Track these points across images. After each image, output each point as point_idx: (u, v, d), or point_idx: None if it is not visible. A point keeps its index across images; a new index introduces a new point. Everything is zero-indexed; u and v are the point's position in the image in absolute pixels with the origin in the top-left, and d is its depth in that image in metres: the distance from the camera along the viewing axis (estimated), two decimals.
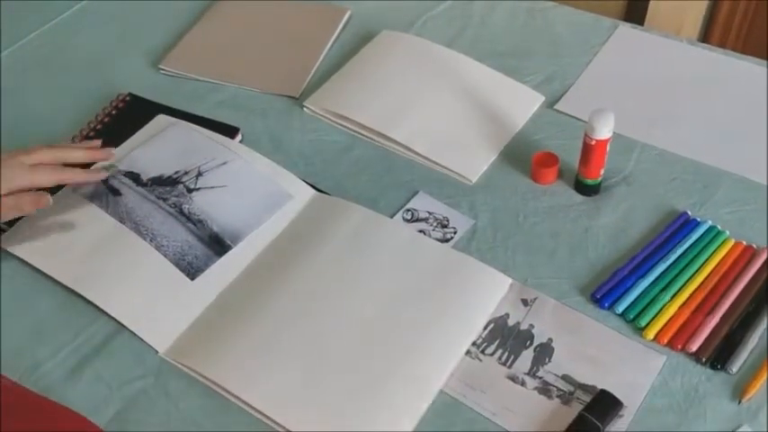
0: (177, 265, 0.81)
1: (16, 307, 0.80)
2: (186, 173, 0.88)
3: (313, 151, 0.96)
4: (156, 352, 0.76)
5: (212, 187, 0.87)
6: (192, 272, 0.80)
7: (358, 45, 1.09)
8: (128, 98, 1.00)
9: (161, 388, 0.73)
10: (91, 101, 1.01)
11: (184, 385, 0.73)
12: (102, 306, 0.78)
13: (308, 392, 0.71)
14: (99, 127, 0.97)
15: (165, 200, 0.85)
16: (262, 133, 0.98)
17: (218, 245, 0.82)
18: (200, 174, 0.88)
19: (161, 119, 0.96)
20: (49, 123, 0.99)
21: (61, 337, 0.77)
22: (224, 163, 0.90)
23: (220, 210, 0.85)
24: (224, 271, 0.81)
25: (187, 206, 0.85)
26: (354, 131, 0.97)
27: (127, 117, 0.98)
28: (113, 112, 0.99)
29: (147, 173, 0.89)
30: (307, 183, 0.90)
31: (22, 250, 0.82)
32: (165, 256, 0.81)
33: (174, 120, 0.95)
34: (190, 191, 0.87)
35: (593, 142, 0.83)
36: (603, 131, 0.83)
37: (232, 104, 1.02)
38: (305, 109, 1.00)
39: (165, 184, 0.87)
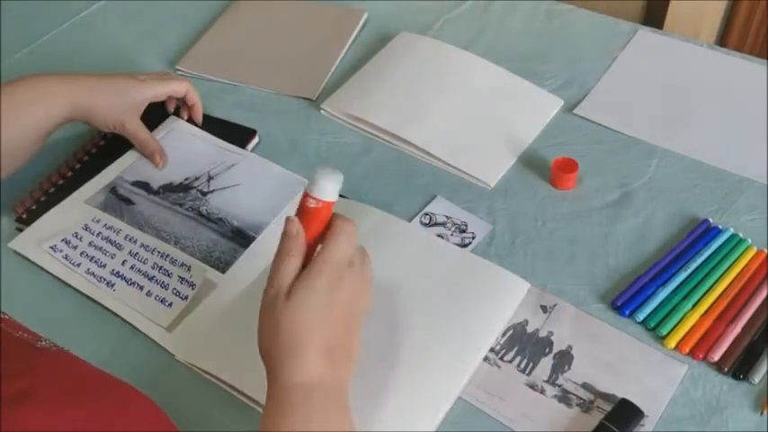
0: (206, 261, 0.81)
1: (30, 308, 0.80)
2: (197, 178, 0.89)
3: (330, 154, 0.95)
4: (173, 356, 0.76)
5: (225, 187, 0.88)
6: (222, 265, 0.81)
7: (375, 47, 1.08)
8: None
9: (178, 390, 0.73)
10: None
11: (201, 387, 0.73)
12: (119, 313, 0.78)
13: None
14: None
15: (181, 205, 0.86)
16: (278, 135, 0.98)
17: (241, 237, 0.83)
18: (210, 177, 0.89)
19: (172, 120, 0.96)
20: (67, 125, 0.99)
21: (76, 341, 0.77)
22: (233, 165, 0.90)
23: (237, 206, 0.86)
24: (231, 284, 0.81)
25: (204, 207, 0.86)
26: (372, 134, 0.97)
27: (143, 117, 0.97)
28: None
29: (157, 181, 0.89)
30: None
31: (37, 255, 0.83)
32: (192, 255, 0.81)
33: (177, 120, 0.95)
34: (204, 194, 0.87)
35: (320, 204, 0.63)
36: (332, 191, 0.63)
37: (249, 106, 1.02)
38: (322, 111, 1.00)
39: (177, 191, 0.87)
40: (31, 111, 0.82)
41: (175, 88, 0.92)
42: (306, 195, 0.63)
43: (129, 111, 0.88)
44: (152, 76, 0.92)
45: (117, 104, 0.87)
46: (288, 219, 0.62)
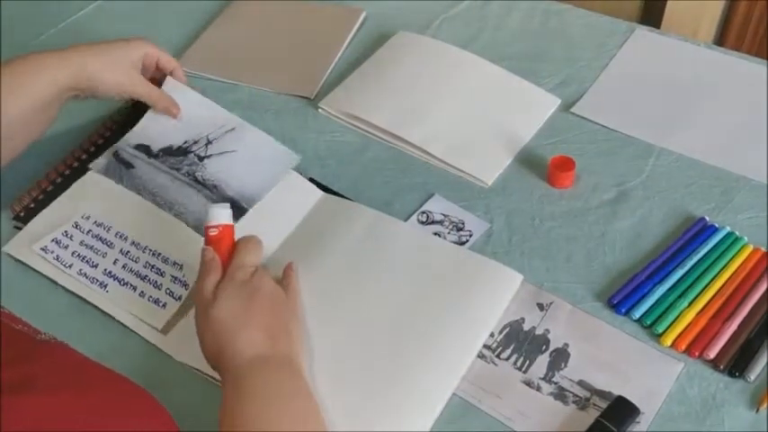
0: (197, 229, 0.81)
1: (27, 309, 0.80)
2: (195, 142, 0.88)
3: (328, 152, 0.95)
4: (171, 357, 0.76)
5: (223, 153, 0.87)
6: None
7: (373, 46, 1.08)
8: None
9: (177, 390, 0.73)
10: (107, 100, 1.01)
11: (199, 386, 0.74)
12: (114, 315, 0.79)
13: (322, 394, 0.71)
14: (115, 126, 0.97)
15: (178, 170, 0.85)
16: (276, 134, 0.97)
17: (234, 208, 0.81)
18: (209, 142, 0.88)
19: (169, 81, 0.94)
20: (64, 121, 0.98)
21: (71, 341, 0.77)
22: (231, 129, 0.89)
23: (233, 174, 0.86)
24: None
25: (200, 173, 0.85)
26: (369, 133, 0.97)
27: (141, 115, 0.97)
28: (128, 110, 0.98)
29: (157, 144, 0.88)
30: (321, 184, 0.90)
31: (30, 258, 0.82)
32: (186, 222, 0.82)
33: (175, 82, 0.94)
34: (201, 159, 0.86)
35: (220, 229, 0.75)
36: (225, 216, 0.75)
37: (247, 105, 1.02)
38: (320, 110, 1.00)
39: (175, 155, 0.87)
40: (34, 79, 0.81)
41: (166, 56, 0.91)
42: (207, 228, 0.74)
43: (129, 70, 0.87)
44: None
45: (115, 67, 0.86)
46: (203, 249, 0.73)
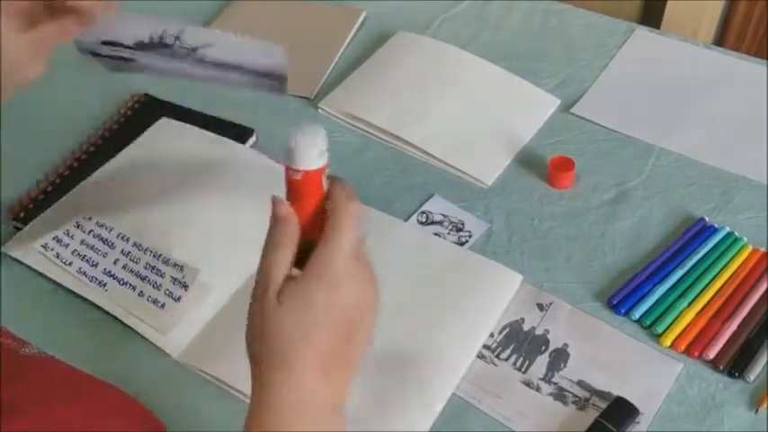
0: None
1: (27, 309, 0.80)
2: (162, 36, 0.68)
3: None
4: (170, 356, 0.76)
5: (207, 45, 0.69)
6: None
7: (373, 46, 1.08)
8: (143, 98, 1.00)
9: (176, 389, 0.73)
10: (107, 101, 1.01)
11: (199, 386, 0.74)
12: (113, 313, 0.79)
13: None
14: (115, 127, 0.97)
15: (182, 59, 0.68)
16: (276, 134, 0.97)
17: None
18: (177, 37, 0.68)
19: (163, 123, 0.95)
20: (64, 122, 0.99)
21: (72, 341, 0.77)
22: (183, 29, 0.68)
23: (235, 57, 0.70)
24: (233, 275, 0.81)
25: (212, 59, 0.67)
26: (369, 133, 0.97)
27: (141, 117, 0.98)
28: (129, 112, 0.99)
29: (124, 39, 0.68)
30: None
31: (30, 257, 0.82)
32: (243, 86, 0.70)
33: None
34: (193, 50, 0.68)
35: (300, 176, 0.53)
36: (312, 156, 0.54)
37: (247, 105, 1.02)
38: (319, 110, 1.00)
39: (158, 48, 0.68)
40: None
41: None
42: (286, 168, 0.53)
43: (22, 23, 0.56)
44: None
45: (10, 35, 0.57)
46: (275, 200, 0.53)
